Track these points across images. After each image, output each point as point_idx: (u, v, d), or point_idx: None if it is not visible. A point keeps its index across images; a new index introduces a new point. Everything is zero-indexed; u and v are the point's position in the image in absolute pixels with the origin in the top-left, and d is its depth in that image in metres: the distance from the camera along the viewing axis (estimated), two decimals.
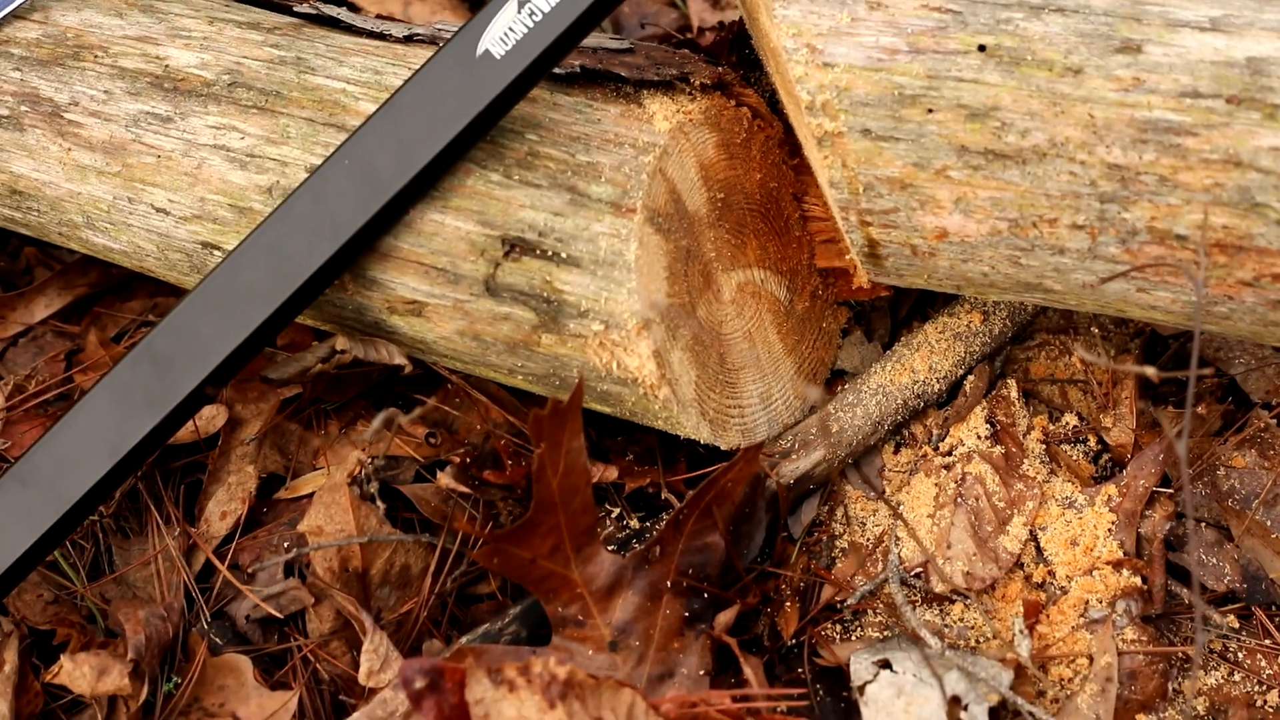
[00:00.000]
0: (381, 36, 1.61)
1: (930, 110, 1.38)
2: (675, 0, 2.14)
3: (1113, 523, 1.56)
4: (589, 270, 1.43)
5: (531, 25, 1.42)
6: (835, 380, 1.72)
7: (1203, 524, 1.59)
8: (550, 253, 1.44)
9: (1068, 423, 1.66)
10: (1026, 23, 1.38)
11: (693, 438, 1.53)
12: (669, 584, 1.48)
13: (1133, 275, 1.40)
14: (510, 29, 1.42)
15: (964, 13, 1.39)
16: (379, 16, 1.69)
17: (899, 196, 1.42)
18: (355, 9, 1.76)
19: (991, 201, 1.39)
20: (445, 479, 1.51)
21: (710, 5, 2.06)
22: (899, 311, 1.77)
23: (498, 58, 1.43)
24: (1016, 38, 1.37)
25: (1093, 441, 1.65)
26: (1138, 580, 1.52)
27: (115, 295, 1.95)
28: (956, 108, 1.38)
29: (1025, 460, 1.61)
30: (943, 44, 1.39)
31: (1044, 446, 1.63)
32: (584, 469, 1.42)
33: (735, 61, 1.71)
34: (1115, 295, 1.43)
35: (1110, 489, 1.58)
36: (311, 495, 1.64)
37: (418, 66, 1.49)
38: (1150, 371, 1.25)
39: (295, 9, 1.65)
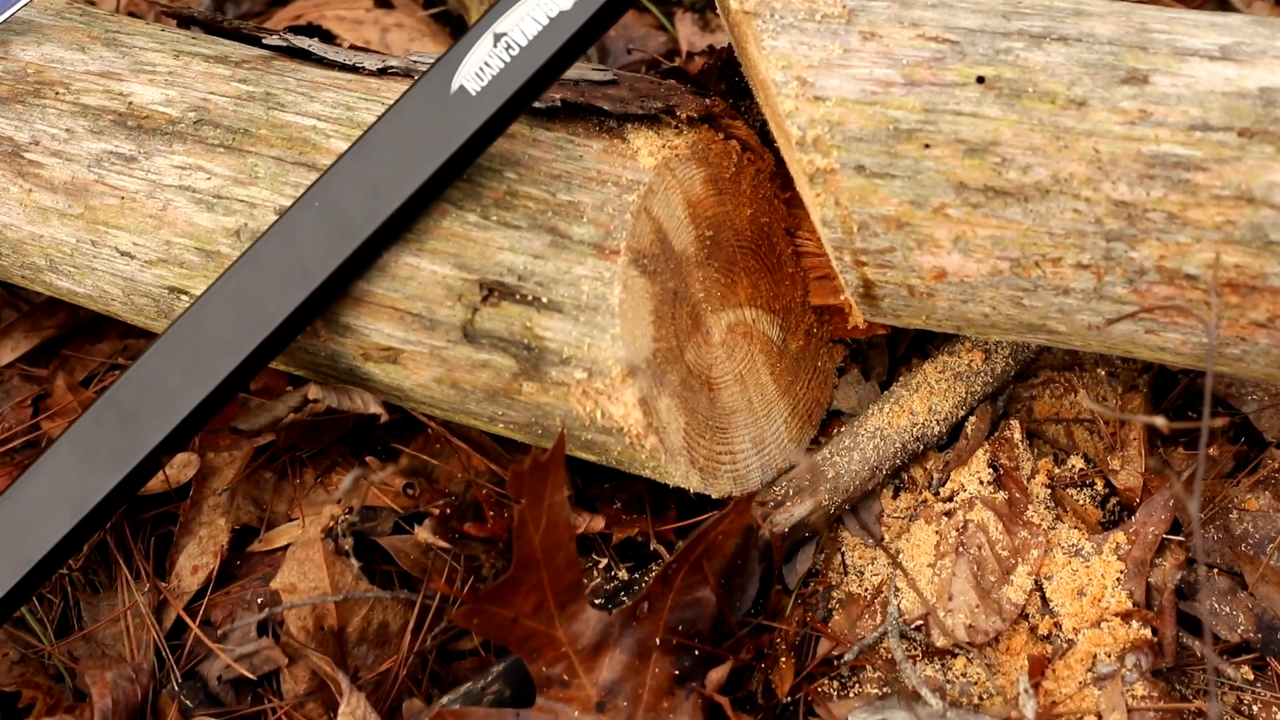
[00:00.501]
0: (354, 70, 1.55)
1: (927, 145, 1.32)
2: (664, 23, 2.07)
3: (1121, 572, 1.49)
4: (571, 316, 1.36)
5: (508, 60, 1.36)
6: (831, 420, 1.65)
7: (1215, 571, 1.52)
8: (530, 297, 1.37)
9: (1074, 465, 1.59)
10: (1027, 53, 1.32)
11: (682, 486, 1.46)
12: (658, 641, 1.41)
13: (1141, 317, 1.33)
14: (486, 64, 1.36)
15: (961, 43, 1.33)
16: (353, 48, 1.62)
17: (895, 236, 1.35)
18: (329, 39, 1.70)
19: (992, 240, 1.33)
20: (423, 534, 1.44)
21: (700, 28, 1.99)
22: (897, 349, 1.70)
23: (473, 94, 1.36)
24: (1017, 69, 1.31)
25: (1100, 485, 1.58)
26: (1148, 632, 1.45)
27: (84, 337, 1.88)
28: (955, 143, 1.31)
29: (1029, 506, 1.54)
30: (939, 76, 1.33)
31: (1049, 491, 1.56)
32: (567, 524, 1.35)
33: (724, 90, 1.65)
34: (1122, 337, 1.36)
35: (1119, 536, 1.51)
36: (286, 548, 1.57)
37: (391, 103, 1.42)
38: (1160, 423, 1.18)
39: (265, 41, 1.59)
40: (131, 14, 1.75)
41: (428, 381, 1.45)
